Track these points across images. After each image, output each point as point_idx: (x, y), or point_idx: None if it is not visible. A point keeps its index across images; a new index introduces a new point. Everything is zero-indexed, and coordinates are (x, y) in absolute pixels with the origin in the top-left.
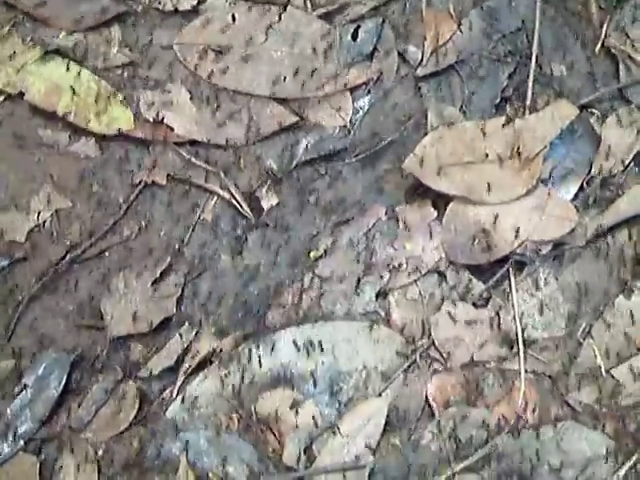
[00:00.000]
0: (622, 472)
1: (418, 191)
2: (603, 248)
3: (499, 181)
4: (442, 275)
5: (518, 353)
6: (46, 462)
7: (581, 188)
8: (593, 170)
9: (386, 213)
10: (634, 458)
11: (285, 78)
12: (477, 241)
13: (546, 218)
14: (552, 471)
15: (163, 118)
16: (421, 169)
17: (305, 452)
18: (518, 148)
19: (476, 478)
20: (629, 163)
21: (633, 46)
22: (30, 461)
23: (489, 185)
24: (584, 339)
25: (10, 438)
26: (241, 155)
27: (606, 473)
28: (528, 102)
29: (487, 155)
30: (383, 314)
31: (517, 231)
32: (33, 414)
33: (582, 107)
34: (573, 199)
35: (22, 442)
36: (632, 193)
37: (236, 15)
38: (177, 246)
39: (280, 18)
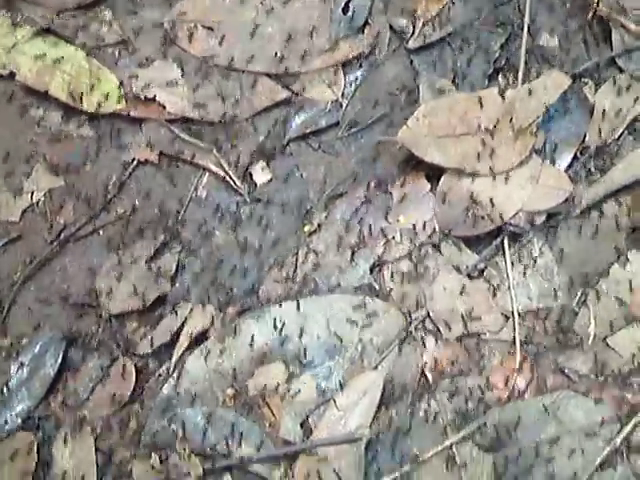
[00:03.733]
0: (618, 440)
1: (411, 164)
2: (598, 218)
3: (492, 152)
4: (436, 247)
5: (513, 323)
6: (43, 439)
7: (575, 158)
8: (587, 140)
9: (379, 186)
10: (630, 426)
11: (277, 53)
12: (471, 213)
13: (540, 188)
14: (548, 440)
15: (155, 96)
16: (414, 141)
17: (302, 426)
18: (511, 119)
19: (473, 448)
20: (623, 132)
21: (625, 14)
22: (28, 438)
23: (482, 156)
24: (579, 308)
25: (7, 416)
26: (234, 131)
27: (602, 441)
28: (520, 73)
29: (480, 126)
30: (377, 287)
31: (511, 202)
32: (30, 392)
33: (575, 77)
34: (567, 169)
35: (19, 420)
36: (626, 161)
37: None
38: (171, 223)
39: None
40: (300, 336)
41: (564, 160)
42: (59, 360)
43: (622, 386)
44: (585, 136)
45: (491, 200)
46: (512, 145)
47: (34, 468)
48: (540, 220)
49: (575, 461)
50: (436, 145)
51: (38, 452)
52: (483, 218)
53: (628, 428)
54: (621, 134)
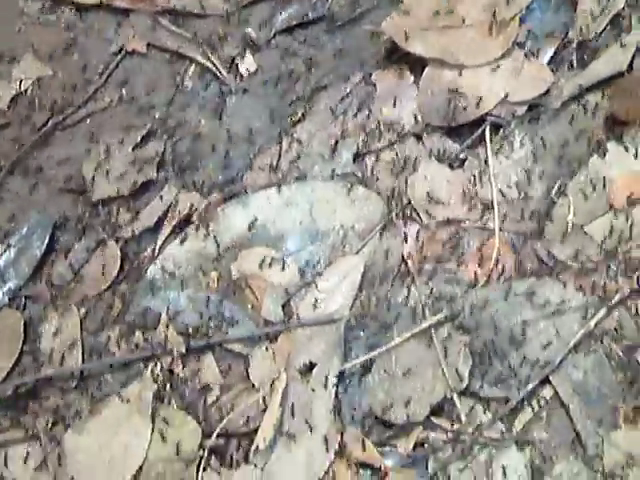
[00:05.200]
0: (592, 324)
1: (395, 56)
2: (578, 109)
3: (475, 44)
4: (418, 138)
5: (493, 212)
6: (30, 318)
7: (557, 52)
8: (569, 34)
9: (363, 78)
10: (603, 311)
11: None
12: (453, 103)
13: (522, 80)
14: (523, 323)
15: None
16: (398, 32)
17: (283, 308)
18: (494, 12)
19: (451, 330)
20: (606, 26)
21: None
22: (15, 316)
23: (465, 48)
24: (558, 198)
25: None
26: (221, 24)
27: (576, 325)
28: None
29: (464, 19)
30: (360, 176)
31: (493, 93)
32: (17, 272)
33: None
34: (549, 62)
35: (7, 298)
36: (608, 54)
37: None
38: (158, 112)
39: None
40: (283, 222)
41: (546, 53)
42: (46, 242)
43: (598, 272)
44: (568, 31)
45: (473, 91)
46: (495, 38)
47: (21, 346)
48: (521, 111)
49: (549, 344)
50: (420, 37)
51: (25, 330)
52: (465, 109)
53: (602, 312)
54: (603, 29)
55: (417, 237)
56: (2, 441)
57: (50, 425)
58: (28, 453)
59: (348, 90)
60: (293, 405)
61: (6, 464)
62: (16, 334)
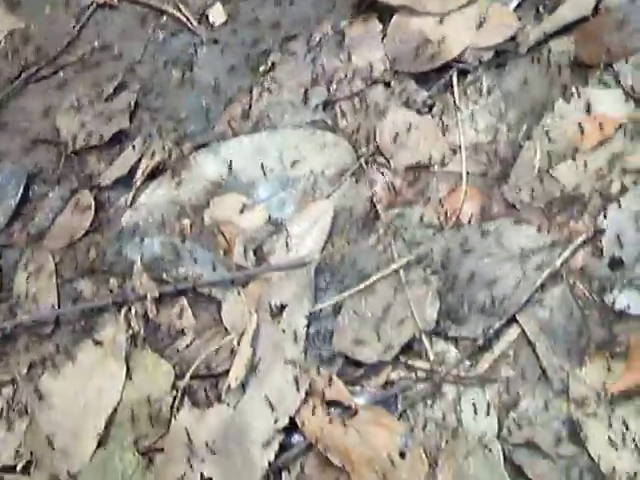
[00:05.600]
0: (558, 263)
1: (364, 5)
2: (544, 55)
3: None
4: (387, 85)
5: (461, 156)
6: (5, 268)
7: None
8: None
9: (333, 28)
10: (569, 250)
11: None
12: (421, 50)
13: (488, 26)
14: (491, 263)
15: None
16: None
17: (255, 253)
18: None
19: (419, 272)
20: None
21: None
22: None
23: None
24: (525, 142)
25: None
26: None
27: (543, 265)
28: None
29: None
30: (330, 122)
31: (459, 39)
32: None
33: None
34: (516, 8)
35: None
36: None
37: None
38: (129, 64)
39: None
40: (254, 169)
41: (513, 1)
42: (20, 192)
43: (563, 214)
44: None
45: (440, 38)
46: None
47: None
48: (488, 57)
49: (516, 283)
50: None
51: (1, 279)
52: (432, 56)
53: (567, 252)
54: None
55: (386, 182)
56: None
57: (26, 370)
58: (4, 393)
59: (318, 39)
60: (264, 345)
61: None
62: None
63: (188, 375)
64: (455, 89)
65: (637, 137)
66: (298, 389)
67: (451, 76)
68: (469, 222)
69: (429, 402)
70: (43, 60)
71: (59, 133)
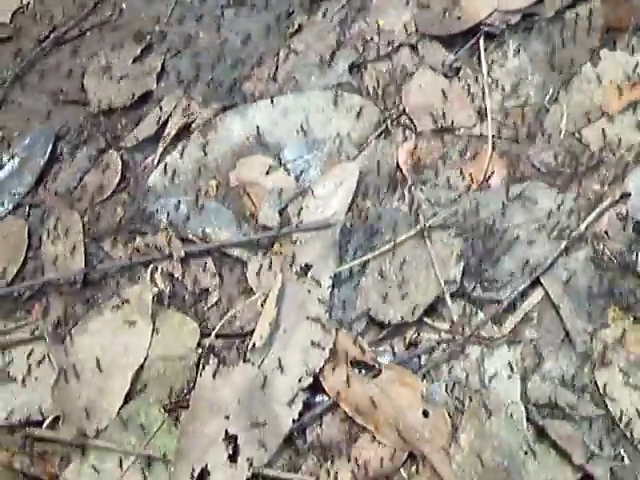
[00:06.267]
0: (582, 227)
1: None
2: (572, 18)
3: None
4: (414, 48)
5: (486, 119)
6: (34, 225)
7: None
8: None
9: None
10: (594, 214)
11: None
12: (447, 13)
13: None
14: (515, 226)
15: None
16: None
17: (280, 214)
18: None
19: (444, 234)
20: None
21: None
22: (18, 223)
23: None
24: (551, 106)
25: None
26: None
27: (568, 228)
28: None
29: None
30: (356, 85)
31: (486, 2)
32: (21, 181)
33: None
34: None
35: (11, 206)
36: None
37: None
38: (157, 26)
39: None
40: (280, 131)
41: None
42: (48, 151)
43: (589, 177)
44: None
45: (467, 0)
46: None
47: (25, 252)
48: (515, 20)
49: (541, 246)
50: None
51: (29, 237)
52: (459, 18)
53: (592, 216)
54: None
55: (412, 145)
56: (8, 341)
57: (53, 328)
58: (32, 351)
59: (345, 2)
60: (289, 305)
61: (11, 363)
62: (21, 240)
63: (213, 334)
64: (482, 52)
65: None
66: (322, 349)
67: (478, 39)
68: (494, 185)
69: (453, 363)
70: (72, 21)
71: (87, 94)
